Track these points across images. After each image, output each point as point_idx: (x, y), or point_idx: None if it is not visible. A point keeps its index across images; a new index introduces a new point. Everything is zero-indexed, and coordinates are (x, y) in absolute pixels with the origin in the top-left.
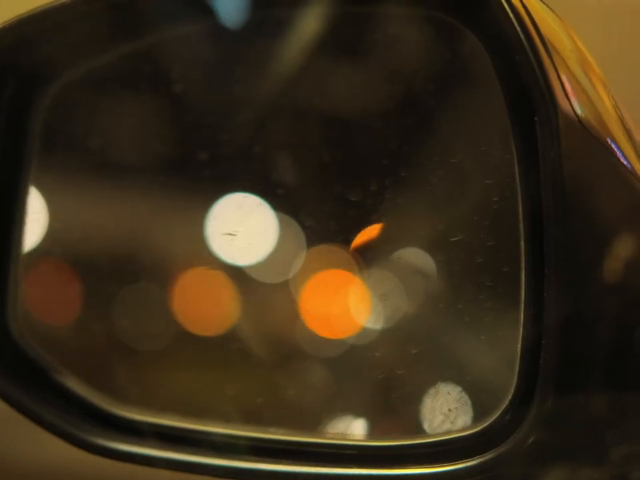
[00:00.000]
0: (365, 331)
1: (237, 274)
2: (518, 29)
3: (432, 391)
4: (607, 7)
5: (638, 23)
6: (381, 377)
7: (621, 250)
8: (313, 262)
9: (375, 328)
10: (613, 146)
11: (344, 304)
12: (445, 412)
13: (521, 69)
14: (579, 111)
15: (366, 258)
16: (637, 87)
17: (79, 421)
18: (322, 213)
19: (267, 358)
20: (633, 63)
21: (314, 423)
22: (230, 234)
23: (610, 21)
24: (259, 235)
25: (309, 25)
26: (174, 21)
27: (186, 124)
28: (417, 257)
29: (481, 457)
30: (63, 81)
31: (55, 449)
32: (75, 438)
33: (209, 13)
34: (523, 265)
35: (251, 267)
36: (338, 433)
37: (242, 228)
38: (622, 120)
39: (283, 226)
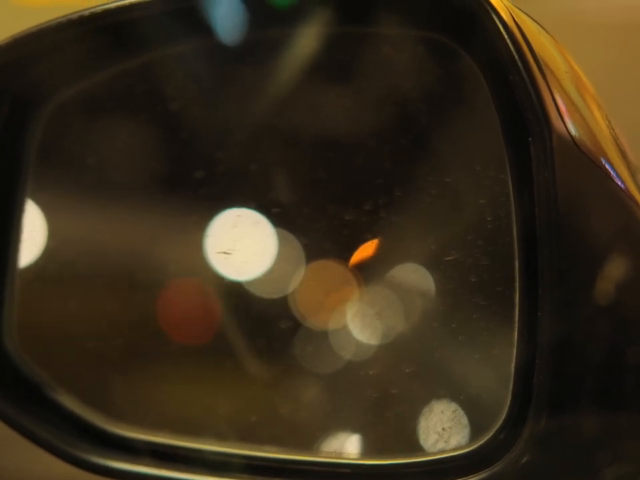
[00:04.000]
0: (360, 348)
1: (234, 289)
2: (512, 49)
3: (426, 409)
4: (601, 25)
5: (632, 40)
6: (375, 395)
7: (614, 271)
8: (311, 278)
9: (370, 345)
10: (606, 166)
11: (341, 319)
12: (439, 431)
13: (515, 89)
14: (573, 131)
15: (362, 275)
16: (632, 106)
17: (73, 438)
18: (316, 231)
19: (261, 375)
20: (628, 81)
21: (308, 441)
22: (225, 252)
23: (604, 38)
24: (257, 251)
25: (304, 45)
26: (169, 40)
27: (181, 142)
28: (413, 274)
29: (474, 476)
30: (58, 100)
31: (50, 467)
32: (69, 455)
33: (205, 32)
34: (516, 284)
35: (249, 283)
36: (332, 452)
37: (238, 245)
38: (616, 140)
39: (282, 242)
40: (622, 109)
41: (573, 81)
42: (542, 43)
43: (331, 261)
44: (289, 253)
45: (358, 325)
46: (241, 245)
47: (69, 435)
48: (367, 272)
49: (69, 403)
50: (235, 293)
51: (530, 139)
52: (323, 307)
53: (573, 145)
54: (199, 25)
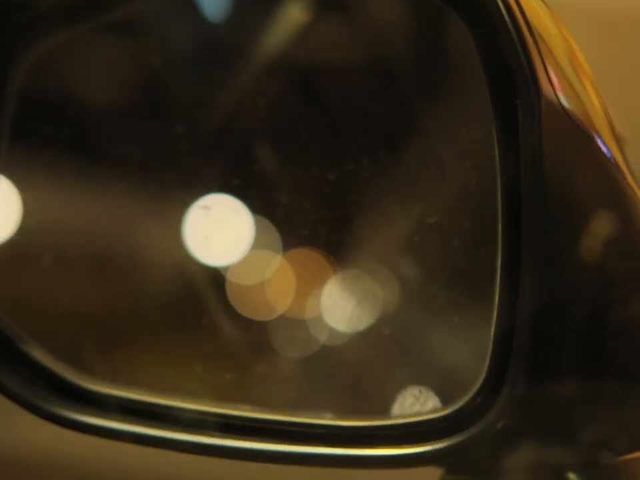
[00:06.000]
0: (339, 326)
1: (212, 273)
2: (502, 9)
3: (403, 372)
4: (597, 14)
5: (627, 30)
6: (353, 357)
7: (598, 231)
8: (289, 264)
9: (349, 322)
10: (595, 136)
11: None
12: (415, 394)
13: (504, 50)
14: (562, 99)
15: (343, 243)
16: (630, 95)
17: (45, 392)
18: (298, 190)
19: (237, 335)
20: (623, 71)
21: (283, 401)
22: (205, 235)
23: (600, 27)
24: (234, 236)
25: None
26: None
27: (164, 97)
28: (395, 239)
29: (449, 440)
30: (40, 50)
31: (22, 423)
32: (40, 409)
33: None
34: (499, 248)
35: (226, 268)
36: (307, 412)
37: (217, 229)
38: (607, 115)
39: (259, 228)
40: (617, 98)
41: (567, 54)
42: (535, 9)
43: (311, 221)
44: (266, 240)
45: (336, 300)
46: (222, 227)
47: (41, 389)
48: (347, 239)
49: (42, 357)
50: (211, 274)
51: (517, 101)
52: (298, 293)
53: (561, 110)
54: None
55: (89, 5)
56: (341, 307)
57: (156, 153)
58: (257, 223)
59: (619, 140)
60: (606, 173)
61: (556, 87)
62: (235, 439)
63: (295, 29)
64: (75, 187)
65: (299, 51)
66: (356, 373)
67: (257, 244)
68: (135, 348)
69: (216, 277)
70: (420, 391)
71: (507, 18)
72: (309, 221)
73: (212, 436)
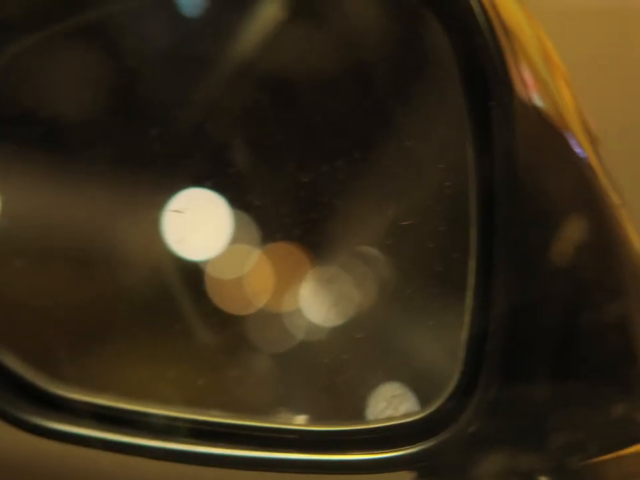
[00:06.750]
0: (314, 324)
1: (189, 266)
2: (477, 9)
3: (376, 376)
4: (580, 12)
5: (609, 28)
6: (326, 361)
7: (570, 235)
8: (266, 259)
9: (324, 321)
10: (568, 136)
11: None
12: (388, 398)
13: (478, 51)
14: (536, 100)
15: (316, 246)
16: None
17: (14, 398)
18: (272, 193)
19: (210, 339)
20: (611, 68)
21: (255, 406)
22: (181, 233)
23: (582, 25)
24: (213, 231)
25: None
26: None
27: (138, 99)
28: (368, 243)
29: (421, 444)
30: (13, 50)
31: None
32: (9, 416)
33: None
34: (473, 250)
35: (204, 263)
36: (279, 418)
37: (194, 226)
38: (584, 122)
39: (237, 223)
40: (593, 97)
41: (541, 53)
42: (511, 11)
43: (285, 223)
44: (244, 234)
45: (312, 299)
46: (200, 221)
47: (9, 395)
48: (321, 241)
49: (10, 361)
50: (190, 269)
51: (491, 103)
52: (276, 288)
53: (535, 111)
54: None
55: (58, 7)
56: (317, 304)
57: (129, 153)
58: (236, 217)
59: (593, 140)
60: (579, 174)
61: (530, 88)
62: (207, 445)
63: (269, 29)
64: (50, 187)
65: (274, 51)
66: (331, 375)
67: (236, 238)
68: (108, 351)
69: (195, 272)
70: (393, 395)
71: (480, 18)
72: (282, 223)
73: (183, 442)
